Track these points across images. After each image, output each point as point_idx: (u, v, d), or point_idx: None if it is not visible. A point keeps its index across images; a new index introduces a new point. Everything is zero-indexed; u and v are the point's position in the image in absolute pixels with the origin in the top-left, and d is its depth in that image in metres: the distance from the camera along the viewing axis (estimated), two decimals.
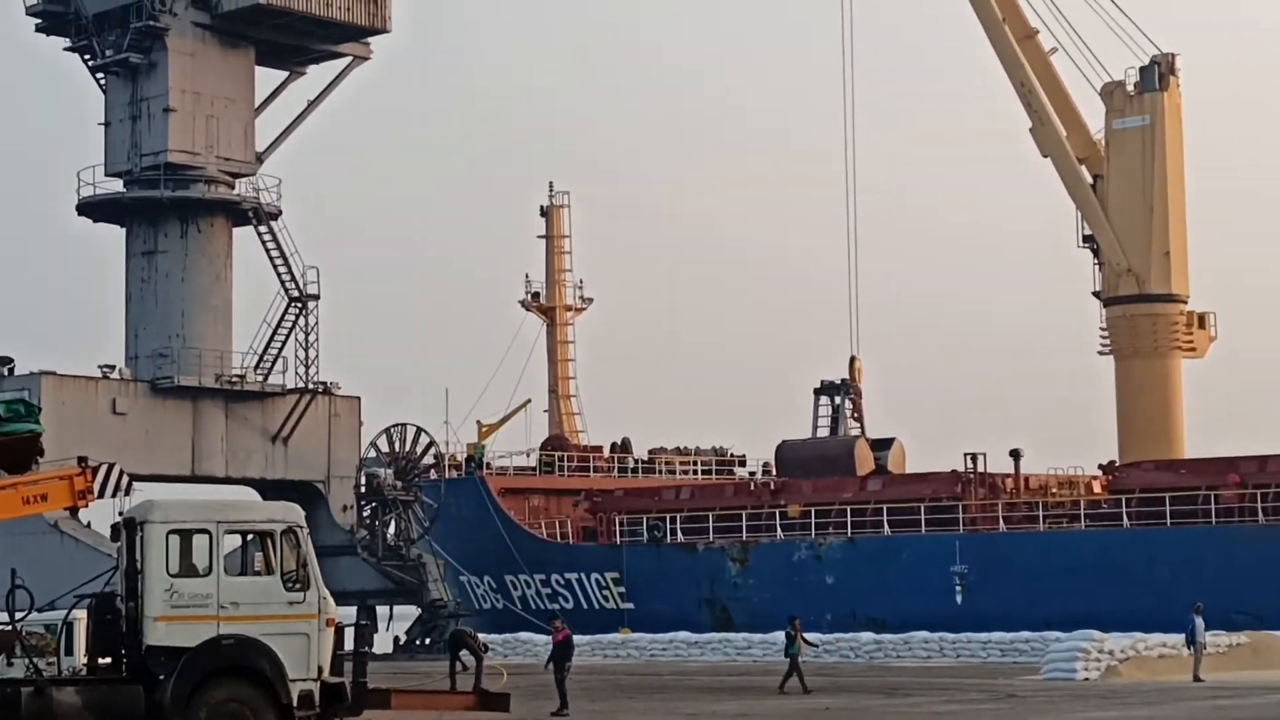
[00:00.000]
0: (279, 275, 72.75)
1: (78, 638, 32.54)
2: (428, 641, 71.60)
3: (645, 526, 75.49)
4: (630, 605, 74.25)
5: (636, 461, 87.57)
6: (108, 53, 72.48)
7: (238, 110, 73.79)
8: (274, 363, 72.88)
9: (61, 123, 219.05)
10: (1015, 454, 71.80)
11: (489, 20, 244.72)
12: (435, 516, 74.02)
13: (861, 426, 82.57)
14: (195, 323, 72.00)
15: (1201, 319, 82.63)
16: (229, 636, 27.05)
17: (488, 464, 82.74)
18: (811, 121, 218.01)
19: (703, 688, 46.30)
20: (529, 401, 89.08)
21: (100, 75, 73.56)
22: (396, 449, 73.83)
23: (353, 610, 65.36)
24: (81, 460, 29.77)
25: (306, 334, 72.99)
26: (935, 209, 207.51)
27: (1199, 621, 46.66)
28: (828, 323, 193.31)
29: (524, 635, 66.88)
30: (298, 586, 27.44)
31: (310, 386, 72.86)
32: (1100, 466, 72.43)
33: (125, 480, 30.17)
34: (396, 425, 74.08)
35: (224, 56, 73.32)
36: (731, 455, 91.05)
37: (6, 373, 68.21)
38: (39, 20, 73.85)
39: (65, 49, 74.14)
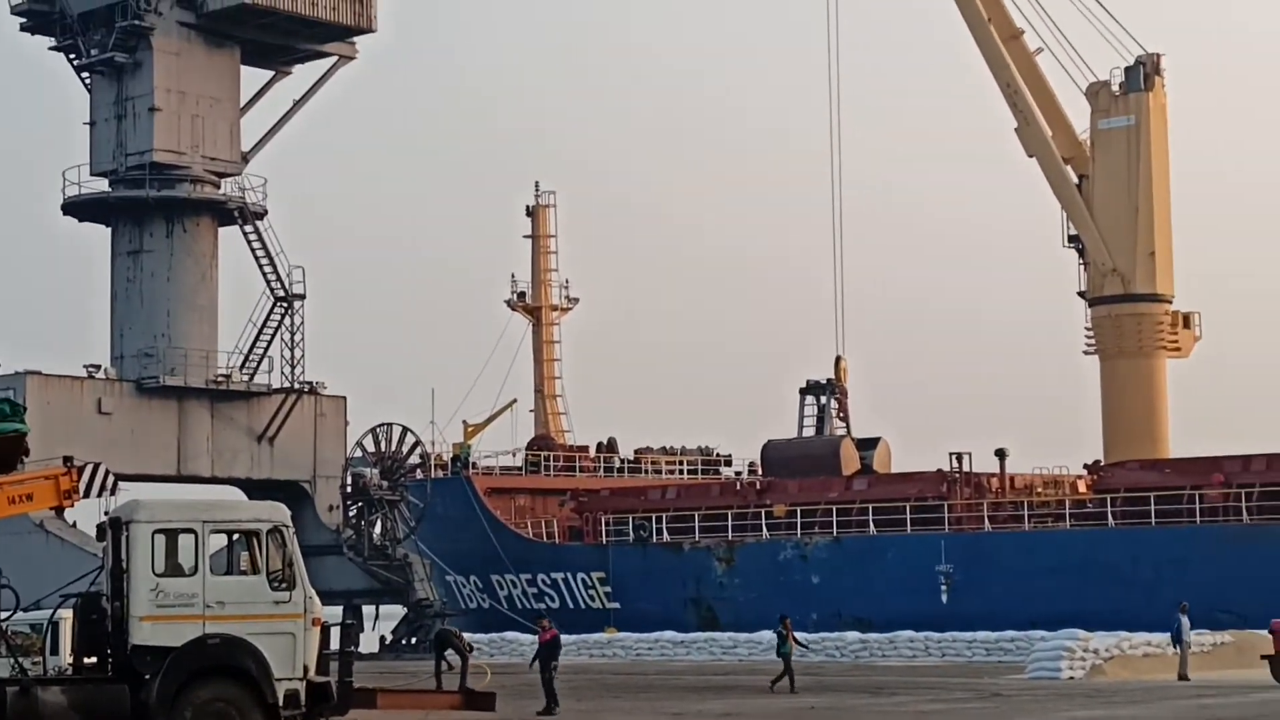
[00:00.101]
0: (264, 275, 72.69)
1: (63, 637, 32.56)
2: (413, 641, 71.52)
3: (631, 526, 75.50)
4: (616, 605, 74.27)
5: (622, 461, 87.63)
6: (93, 52, 72.35)
7: (223, 110, 73.69)
8: (260, 362, 72.86)
9: (46, 122, 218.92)
10: (1000, 453, 71.89)
11: (476, 19, 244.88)
12: (421, 516, 73.99)
13: (847, 426, 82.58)
14: (181, 322, 71.89)
15: (1186, 319, 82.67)
16: (215, 636, 27.02)
17: (474, 464, 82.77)
18: (797, 121, 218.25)
19: (688, 687, 46.29)
20: (515, 401, 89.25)
21: (85, 75, 73.42)
22: (382, 449, 73.77)
23: (339, 610, 65.34)
24: (67, 460, 29.76)
25: (292, 334, 72.94)
26: (921, 206, 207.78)
27: (1184, 620, 46.79)
28: (814, 322, 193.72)
29: (510, 635, 66.89)
30: (284, 586, 27.41)
31: (296, 386, 72.79)
32: (1085, 466, 72.64)
33: (111, 480, 30.15)
34: (382, 425, 74.05)
35: (209, 56, 73.21)
36: (717, 455, 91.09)
37: None
38: (24, 19, 73.72)
39: (50, 48, 73.98)
